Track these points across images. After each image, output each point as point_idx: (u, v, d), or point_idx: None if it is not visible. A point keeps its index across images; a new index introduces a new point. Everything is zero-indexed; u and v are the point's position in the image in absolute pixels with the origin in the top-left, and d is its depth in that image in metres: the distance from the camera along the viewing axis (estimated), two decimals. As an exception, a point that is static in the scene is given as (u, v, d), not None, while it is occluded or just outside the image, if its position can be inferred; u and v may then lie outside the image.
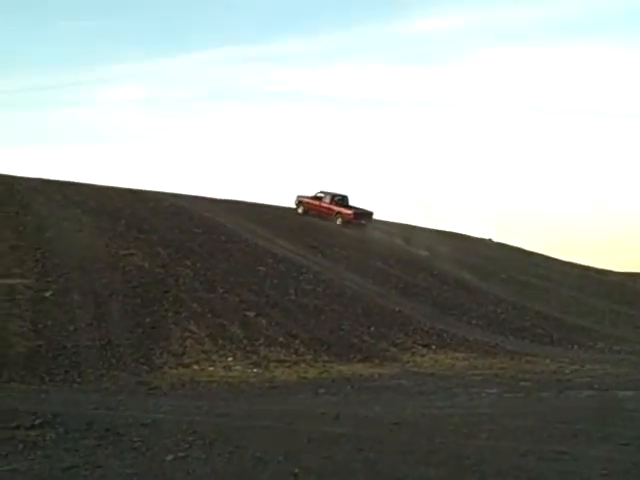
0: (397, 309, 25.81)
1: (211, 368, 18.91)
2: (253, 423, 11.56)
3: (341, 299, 25.72)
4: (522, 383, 17.56)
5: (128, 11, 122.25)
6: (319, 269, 28.94)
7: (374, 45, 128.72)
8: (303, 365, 19.88)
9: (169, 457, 8.67)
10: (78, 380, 16.97)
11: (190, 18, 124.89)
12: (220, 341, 20.65)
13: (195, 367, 18.87)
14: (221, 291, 24.17)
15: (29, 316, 20.08)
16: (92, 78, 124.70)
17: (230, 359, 19.70)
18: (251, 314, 22.73)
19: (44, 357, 18.00)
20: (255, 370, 19.10)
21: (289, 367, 19.61)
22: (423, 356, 21.92)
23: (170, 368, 18.60)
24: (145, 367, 18.45)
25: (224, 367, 19.11)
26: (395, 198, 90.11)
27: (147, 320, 21.02)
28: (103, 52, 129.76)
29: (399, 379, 18.60)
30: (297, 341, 21.44)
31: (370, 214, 42.49)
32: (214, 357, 19.69)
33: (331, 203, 41.47)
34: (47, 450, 8.75)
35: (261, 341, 21.07)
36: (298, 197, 42.91)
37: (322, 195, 42.13)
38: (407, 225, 47.27)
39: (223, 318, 22.11)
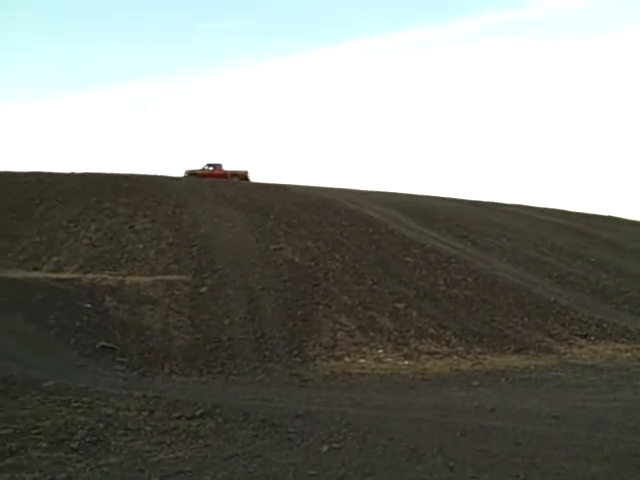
0: (552, 298, 24.78)
1: (362, 360, 18.98)
2: (406, 415, 11.46)
3: (493, 289, 25.04)
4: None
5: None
6: (469, 258, 28.30)
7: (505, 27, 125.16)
8: (455, 357, 19.57)
9: (324, 448, 8.73)
10: (234, 372, 17.52)
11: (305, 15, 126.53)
12: (370, 333, 20.68)
13: (346, 359, 19.00)
14: (370, 283, 24.18)
15: (187, 311, 20.98)
16: (235, 75, 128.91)
17: (381, 351, 19.69)
18: (401, 306, 22.60)
19: (202, 350, 18.74)
20: (406, 362, 18.99)
21: (441, 359, 19.35)
22: (581, 347, 21.00)
23: (322, 360, 18.83)
24: (298, 359, 18.79)
25: (375, 359, 19.13)
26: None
27: (299, 313, 21.37)
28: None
29: (556, 371, 17.94)
30: (448, 332, 21.11)
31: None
32: (365, 349, 19.75)
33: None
34: (208, 440, 9.03)
35: (411, 333, 20.90)
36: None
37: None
38: (557, 210, 45.56)
39: (373, 310, 22.12)
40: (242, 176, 45.30)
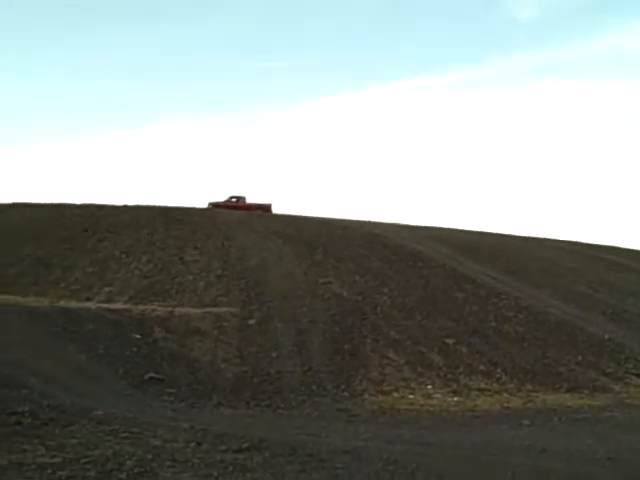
0: (606, 336, 24.21)
1: (411, 396, 18.74)
2: (455, 453, 11.24)
3: (544, 326, 24.59)
4: None
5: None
6: (519, 294, 27.88)
7: (570, 63, 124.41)
8: (506, 394, 19.22)
9: (372, 485, 8.59)
10: (281, 405, 17.44)
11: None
12: (419, 369, 20.44)
13: (395, 395, 18.79)
14: (419, 318, 23.96)
15: (235, 343, 21.03)
16: (294, 111, 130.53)
17: (430, 387, 19.43)
18: (450, 341, 22.32)
19: (249, 382, 18.73)
20: (456, 399, 18.71)
21: (491, 396, 19.02)
22: (637, 386, 20.44)
23: (370, 395, 18.66)
24: (345, 394, 18.64)
25: (424, 395, 18.88)
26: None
27: (346, 347, 21.25)
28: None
29: (611, 411, 17.48)
30: (499, 369, 20.75)
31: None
32: (413, 385, 19.52)
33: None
34: (255, 473, 8.94)
35: (461, 369, 20.60)
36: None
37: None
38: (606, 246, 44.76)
39: (422, 345, 21.89)
40: (266, 209, 45.65)
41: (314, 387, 18.79)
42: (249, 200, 47.01)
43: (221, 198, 46.76)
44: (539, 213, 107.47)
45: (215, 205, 45.23)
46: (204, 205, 45.30)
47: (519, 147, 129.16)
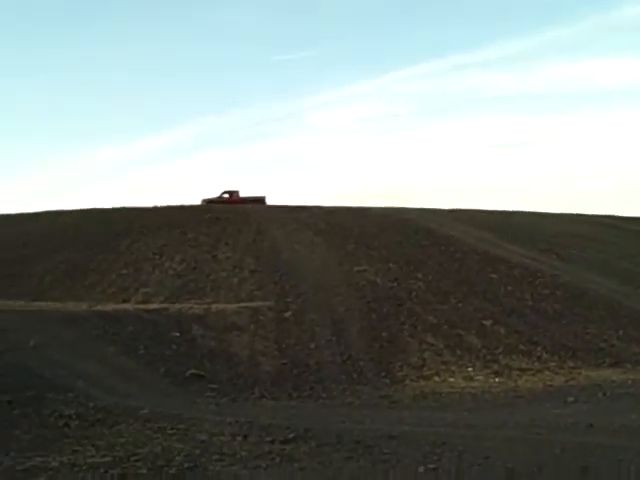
0: (647, 310, 23.90)
1: (452, 379, 18.69)
2: (501, 434, 11.18)
3: (583, 302, 24.34)
4: None
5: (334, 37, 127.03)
6: (556, 272, 27.63)
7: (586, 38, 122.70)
8: (547, 373, 19.07)
9: (420, 469, 8.57)
10: (323, 395, 17.47)
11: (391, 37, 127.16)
12: (458, 351, 20.38)
13: (435, 379, 18.75)
14: (455, 301, 23.87)
15: (273, 336, 21.11)
16: (311, 104, 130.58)
17: (470, 369, 19.36)
18: (488, 323, 22.21)
19: (289, 374, 18.79)
20: (497, 380, 18.61)
21: (533, 375, 18.88)
22: (683, 360, 20.14)
23: (411, 380, 18.63)
24: (386, 380, 18.64)
25: (464, 377, 18.82)
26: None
27: (384, 334, 21.24)
28: (315, 80, 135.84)
29: (655, 385, 17.22)
30: (539, 348, 20.60)
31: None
32: (453, 368, 19.46)
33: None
34: (302, 463, 8.99)
35: (500, 350, 20.49)
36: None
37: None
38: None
39: (459, 328, 21.81)
40: (260, 201, 45.79)
41: (354, 375, 18.82)
42: (243, 194, 47.02)
43: (214, 194, 47.01)
44: (573, 188, 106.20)
45: (209, 201, 45.34)
46: (197, 202, 45.60)
47: (549, 121, 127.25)
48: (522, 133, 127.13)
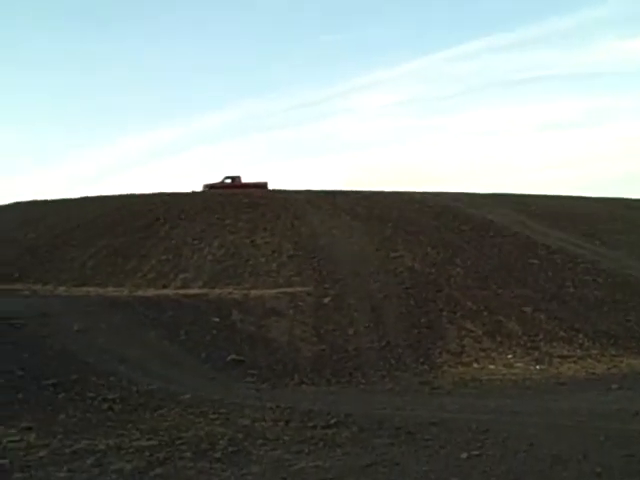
0: (690, 297, 23.45)
1: (492, 366, 18.58)
2: (544, 421, 11.08)
3: (625, 289, 23.97)
4: None
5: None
6: (597, 258, 27.22)
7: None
8: (589, 360, 18.87)
9: (463, 455, 8.53)
10: (362, 381, 17.51)
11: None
12: (498, 338, 20.23)
13: (475, 365, 18.65)
14: (494, 287, 23.66)
15: (311, 322, 21.16)
16: (346, 88, 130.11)
17: (510, 356, 19.22)
18: (528, 309, 22.00)
19: (329, 360, 18.85)
20: (538, 367, 18.46)
21: (574, 362, 18.71)
22: None
23: (450, 367, 18.57)
24: (425, 367, 18.59)
25: (505, 364, 18.70)
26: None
27: (422, 320, 21.16)
28: (354, 62, 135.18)
29: (703, 372, 16.95)
30: (580, 335, 20.37)
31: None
32: (493, 354, 19.34)
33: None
34: (344, 448, 9.03)
35: (541, 336, 20.31)
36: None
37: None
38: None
39: (499, 314, 21.63)
40: (262, 187, 45.07)
41: (393, 362, 18.79)
42: (244, 179, 46.72)
43: (216, 180, 46.54)
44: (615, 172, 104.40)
45: (211, 187, 45.21)
46: (199, 188, 45.18)
47: (602, 101, 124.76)
48: (573, 114, 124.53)
